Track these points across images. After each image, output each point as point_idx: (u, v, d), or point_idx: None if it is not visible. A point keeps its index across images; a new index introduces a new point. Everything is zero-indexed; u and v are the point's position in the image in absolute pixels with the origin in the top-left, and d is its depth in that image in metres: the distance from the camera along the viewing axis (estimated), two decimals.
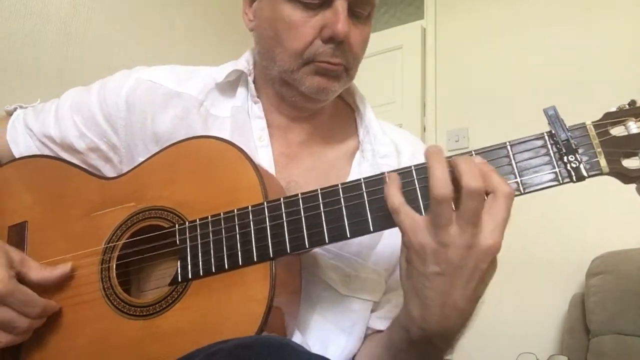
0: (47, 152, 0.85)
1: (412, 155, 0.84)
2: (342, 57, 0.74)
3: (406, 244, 0.59)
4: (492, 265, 0.58)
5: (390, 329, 0.71)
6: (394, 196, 0.59)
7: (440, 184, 0.55)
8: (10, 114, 0.90)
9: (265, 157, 0.78)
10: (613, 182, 0.59)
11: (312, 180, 0.78)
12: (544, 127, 0.63)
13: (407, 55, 2.79)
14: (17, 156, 0.85)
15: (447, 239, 0.55)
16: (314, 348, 0.72)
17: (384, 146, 0.81)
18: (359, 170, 0.81)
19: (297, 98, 0.78)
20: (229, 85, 0.83)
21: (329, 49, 0.73)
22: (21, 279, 0.69)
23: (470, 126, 2.58)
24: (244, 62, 0.83)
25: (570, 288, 2.13)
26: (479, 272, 0.56)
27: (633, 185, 0.60)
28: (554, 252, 2.22)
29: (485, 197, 0.56)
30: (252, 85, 0.82)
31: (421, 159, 0.85)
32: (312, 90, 0.75)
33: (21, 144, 0.86)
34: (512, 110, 2.42)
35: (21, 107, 0.91)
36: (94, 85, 0.85)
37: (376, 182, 0.62)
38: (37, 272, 0.70)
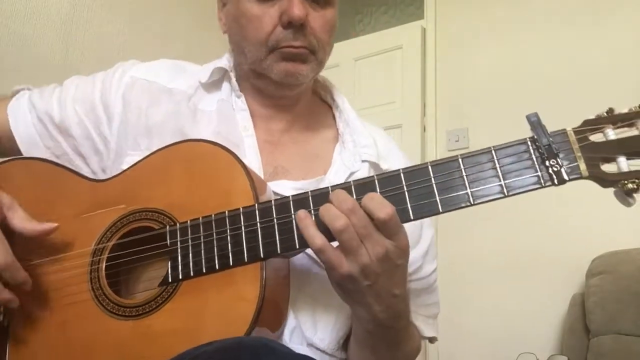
0: (42, 130, 0.86)
1: (385, 146, 0.89)
2: (303, 40, 0.78)
3: (335, 277, 0.63)
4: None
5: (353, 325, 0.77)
6: (316, 237, 0.61)
7: (335, 217, 0.60)
8: (15, 93, 0.93)
9: (251, 145, 0.81)
10: None
11: (297, 164, 0.82)
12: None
13: (407, 55, 2.78)
14: (13, 130, 0.86)
15: (365, 259, 0.60)
16: (304, 327, 0.74)
17: (364, 137, 0.86)
18: (341, 159, 0.84)
19: (270, 87, 0.83)
20: (214, 83, 0.87)
21: (289, 33, 0.77)
22: (5, 223, 0.68)
23: (470, 126, 2.58)
24: (225, 60, 0.88)
25: (570, 288, 2.13)
26: (403, 262, 0.63)
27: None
28: (554, 252, 2.22)
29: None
30: (234, 81, 0.86)
31: (394, 152, 0.89)
32: (281, 75, 0.79)
33: (20, 120, 0.87)
34: (512, 110, 2.41)
35: (29, 89, 0.94)
36: (96, 79, 0.88)
37: (365, 184, 0.63)
38: (21, 222, 0.69)
